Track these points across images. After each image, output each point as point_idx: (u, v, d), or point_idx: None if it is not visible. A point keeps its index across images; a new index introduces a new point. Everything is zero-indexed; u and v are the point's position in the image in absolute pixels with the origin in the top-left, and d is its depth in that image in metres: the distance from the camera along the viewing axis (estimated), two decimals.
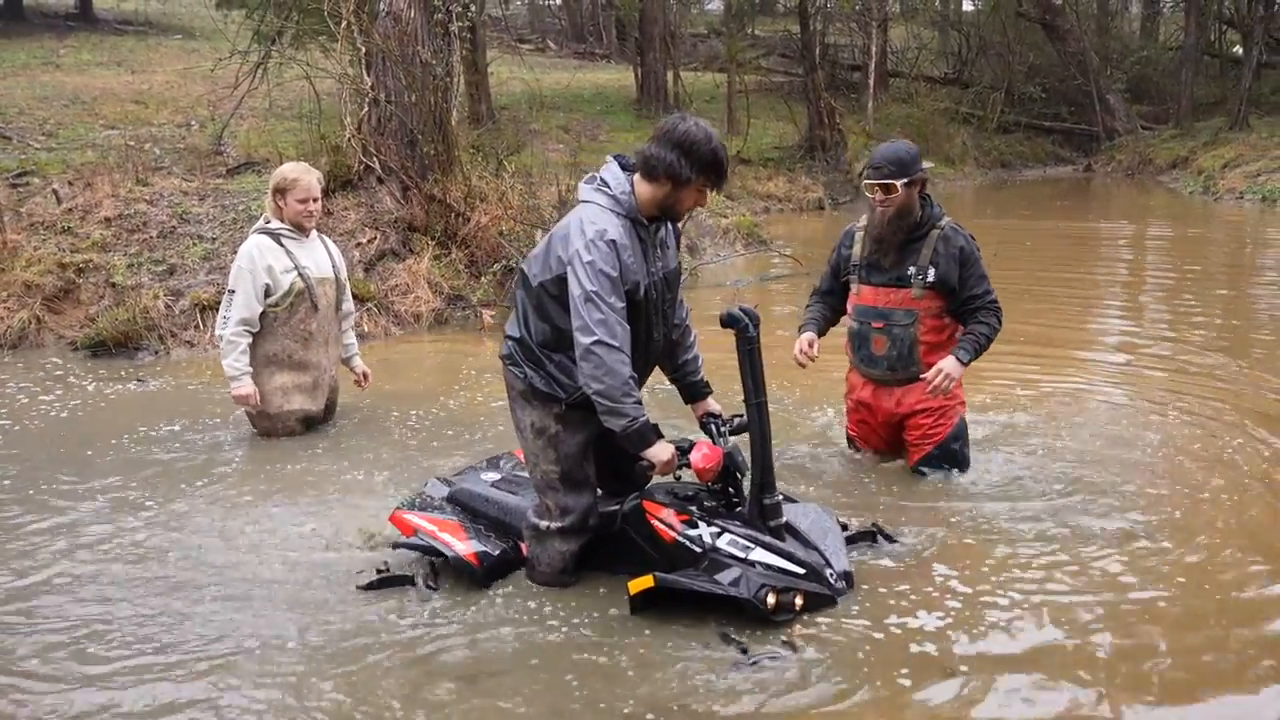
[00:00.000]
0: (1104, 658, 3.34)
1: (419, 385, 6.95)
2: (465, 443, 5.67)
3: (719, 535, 3.66)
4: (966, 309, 4.71)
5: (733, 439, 3.85)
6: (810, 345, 4.84)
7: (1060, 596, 3.75)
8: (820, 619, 3.55)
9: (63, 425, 6.22)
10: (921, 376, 4.67)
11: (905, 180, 4.56)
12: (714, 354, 4.39)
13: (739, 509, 3.77)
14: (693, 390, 4.04)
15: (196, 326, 8.18)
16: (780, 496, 3.74)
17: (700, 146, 3.53)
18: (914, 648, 3.41)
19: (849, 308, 4.93)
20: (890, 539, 4.18)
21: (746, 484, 3.78)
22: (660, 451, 3.63)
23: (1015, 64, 27.25)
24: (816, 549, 3.74)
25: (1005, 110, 26.50)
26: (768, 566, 3.58)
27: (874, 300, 4.78)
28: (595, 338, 3.45)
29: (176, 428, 6.02)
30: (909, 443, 4.91)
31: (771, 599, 3.46)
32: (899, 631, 3.51)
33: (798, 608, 3.53)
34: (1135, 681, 3.22)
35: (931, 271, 4.64)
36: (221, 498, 4.95)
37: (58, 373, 7.43)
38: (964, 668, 3.29)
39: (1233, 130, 21.77)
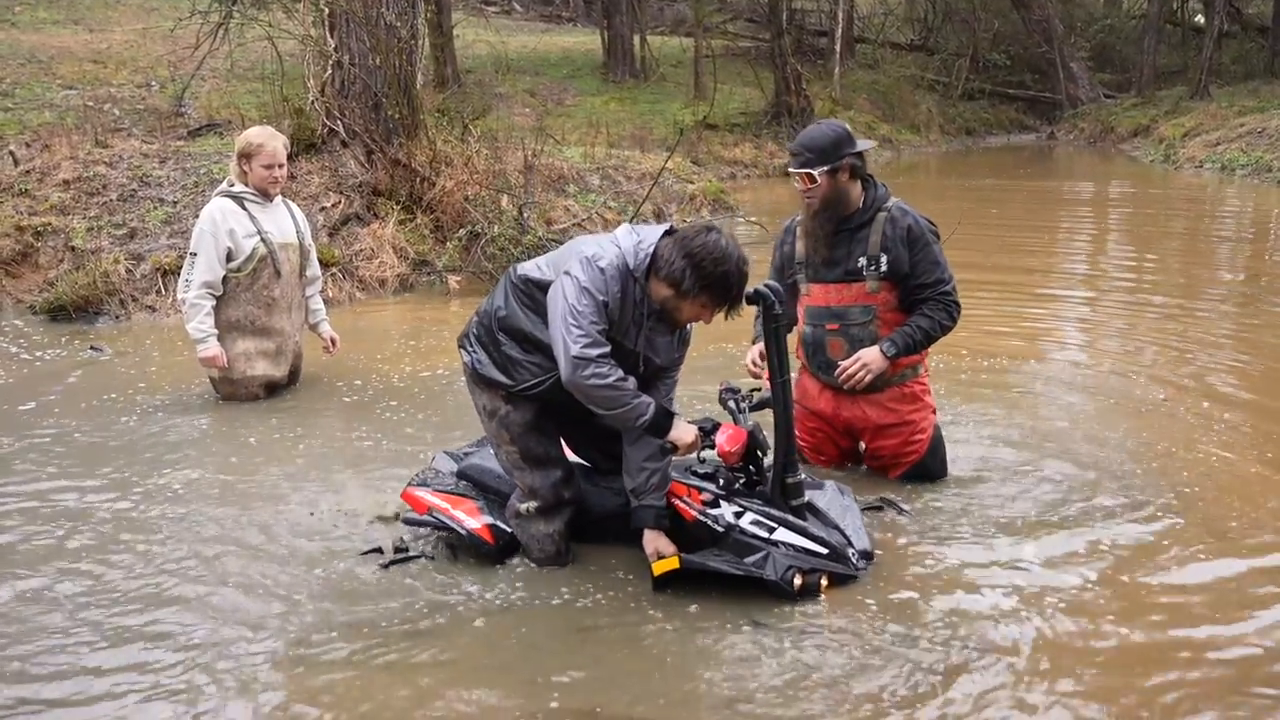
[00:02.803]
0: (1117, 646, 3.31)
1: (383, 351, 6.93)
2: (433, 410, 5.67)
3: (741, 514, 3.62)
4: (914, 299, 4.22)
5: (753, 416, 3.79)
6: (763, 356, 4.12)
7: (1073, 581, 3.70)
8: (839, 602, 3.52)
9: (7, 394, 6.14)
10: (839, 362, 4.25)
11: (827, 168, 4.05)
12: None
13: (759, 487, 3.72)
14: None
15: (158, 291, 8.10)
16: (803, 475, 3.71)
17: (709, 265, 3.35)
18: (926, 630, 3.38)
19: (800, 310, 4.41)
20: (901, 510, 4.17)
21: (767, 462, 3.73)
22: (684, 434, 3.56)
23: (980, 31, 27.38)
24: (838, 528, 3.70)
25: (970, 77, 26.67)
26: (792, 547, 3.54)
27: (825, 299, 4.28)
28: (574, 354, 3.36)
29: (138, 396, 5.97)
30: (877, 463, 4.51)
31: (798, 580, 3.44)
32: (911, 612, 3.48)
33: (823, 589, 3.51)
34: (1148, 669, 3.20)
35: (884, 259, 4.14)
36: (188, 470, 4.91)
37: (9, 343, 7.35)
38: (977, 650, 3.27)
39: (1193, 99, 22.02)
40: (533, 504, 3.75)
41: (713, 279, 3.37)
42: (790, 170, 4.17)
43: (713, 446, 3.63)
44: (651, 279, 3.47)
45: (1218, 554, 3.85)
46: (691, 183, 13.60)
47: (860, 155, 4.15)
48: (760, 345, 4.31)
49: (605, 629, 3.42)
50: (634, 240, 3.50)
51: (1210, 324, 7.41)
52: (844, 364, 4.21)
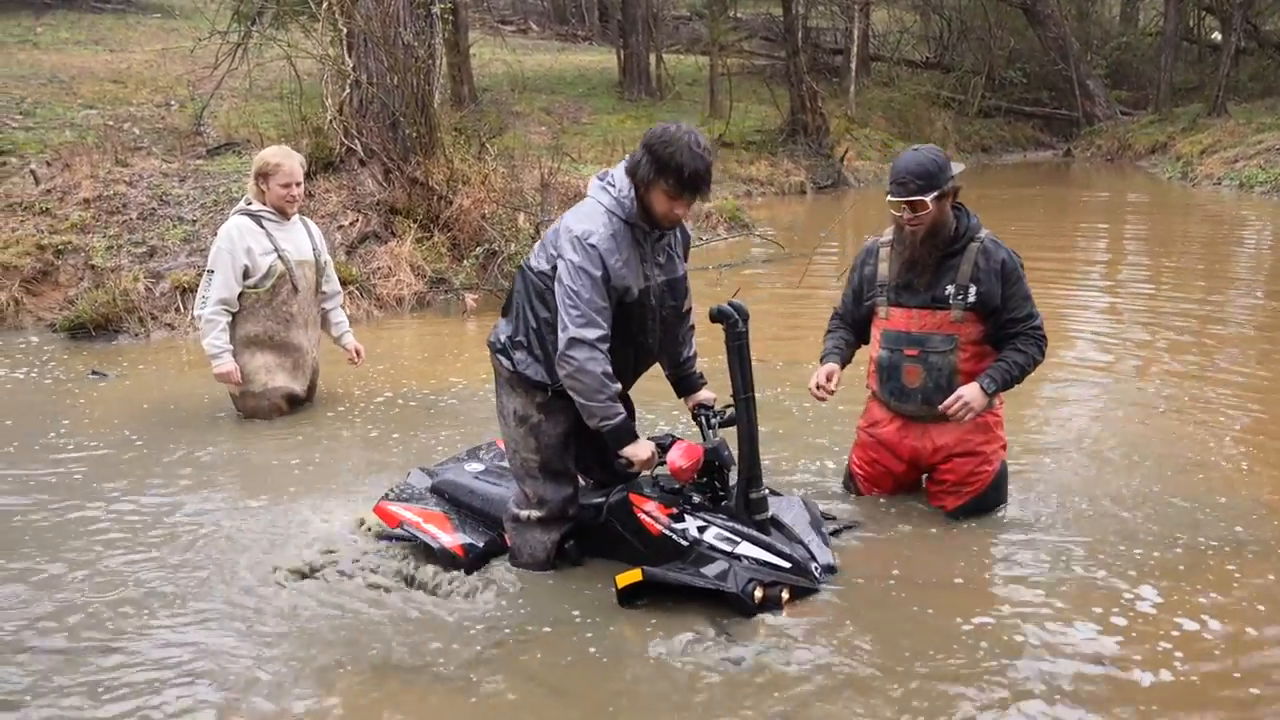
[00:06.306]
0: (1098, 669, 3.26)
1: (401, 369, 6.95)
2: (447, 427, 5.67)
3: (705, 529, 3.67)
4: (1005, 333, 4.13)
5: (722, 432, 3.83)
6: (829, 379, 4.27)
7: (1050, 592, 3.70)
8: (800, 615, 3.54)
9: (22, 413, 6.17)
10: (913, 389, 4.19)
11: (935, 194, 3.98)
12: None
13: (725, 503, 3.77)
14: (687, 383, 4.02)
15: (177, 309, 8.15)
16: (766, 490, 3.74)
17: (661, 146, 3.44)
18: (887, 643, 3.39)
19: (875, 334, 4.33)
20: (861, 525, 4.20)
21: (733, 477, 3.77)
22: (639, 450, 3.64)
23: (996, 48, 27.33)
24: (801, 542, 3.75)
25: (986, 95, 26.62)
26: (754, 560, 3.59)
27: (907, 325, 4.19)
28: (570, 334, 3.47)
29: (154, 415, 5.99)
30: (938, 489, 4.35)
31: (759, 593, 3.48)
32: (875, 626, 3.49)
33: (784, 602, 3.54)
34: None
35: (973, 290, 4.06)
36: (199, 489, 4.93)
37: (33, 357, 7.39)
38: (946, 661, 3.27)
39: (1211, 116, 21.91)
40: (536, 513, 3.80)
41: (663, 160, 3.44)
42: (894, 198, 4.04)
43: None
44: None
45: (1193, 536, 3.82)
46: (707, 200, 13.59)
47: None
48: (826, 368, 4.30)
49: (566, 646, 3.42)
50: (613, 194, 3.57)
51: (1231, 336, 7.38)
52: (946, 402, 4.08)
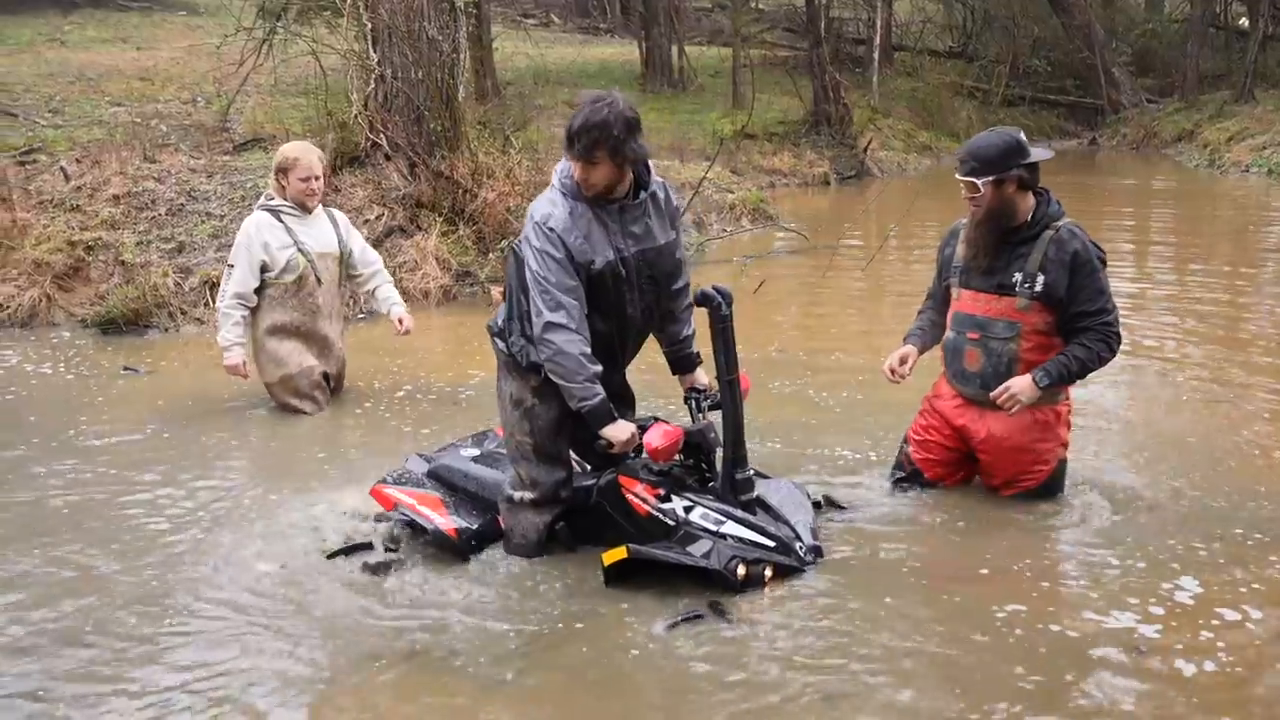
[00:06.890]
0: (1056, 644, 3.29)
1: (424, 362, 6.98)
2: (470, 419, 5.68)
3: (691, 509, 3.74)
4: (1073, 326, 4.01)
5: (711, 415, 3.89)
6: (902, 362, 4.28)
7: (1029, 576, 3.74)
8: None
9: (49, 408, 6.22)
10: (973, 373, 4.15)
11: (992, 178, 3.91)
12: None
13: (712, 484, 3.84)
14: (682, 362, 4.06)
15: (206, 304, 8.20)
16: (752, 471, 3.81)
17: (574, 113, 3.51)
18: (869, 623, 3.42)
19: (948, 315, 4.29)
20: (840, 508, 4.27)
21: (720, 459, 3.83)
22: (618, 431, 3.68)
23: (1020, 37, 27.06)
24: (787, 523, 3.81)
25: (1010, 84, 26.37)
26: (739, 539, 3.67)
27: (973, 308, 4.13)
28: (544, 319, 3.52)
29: (180, 410, 6.03)
30: (990, 481, 4.34)
31: (742, 570, 3.56)
32: (856, 606, 3.54)
33: (768, 580, 3.61)
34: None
35: (1040, 279, 3.95)
36: (218, 479, 5.00)
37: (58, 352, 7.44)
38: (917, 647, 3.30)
39: (1238, 103, 21.67)
40: (529, 494, 3.85)
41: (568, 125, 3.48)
42: (956, 176, 4.06)
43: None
44: None
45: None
46: (731, 192, 13.58)
47: (1033, 167, 3.98)
48: (902, 350, 4.30)
49: (603, 642, 3.44)
50: (560, 173, 3.62)
51: (1260, 323, 7.31)
52: (995, 391, 4.03)
